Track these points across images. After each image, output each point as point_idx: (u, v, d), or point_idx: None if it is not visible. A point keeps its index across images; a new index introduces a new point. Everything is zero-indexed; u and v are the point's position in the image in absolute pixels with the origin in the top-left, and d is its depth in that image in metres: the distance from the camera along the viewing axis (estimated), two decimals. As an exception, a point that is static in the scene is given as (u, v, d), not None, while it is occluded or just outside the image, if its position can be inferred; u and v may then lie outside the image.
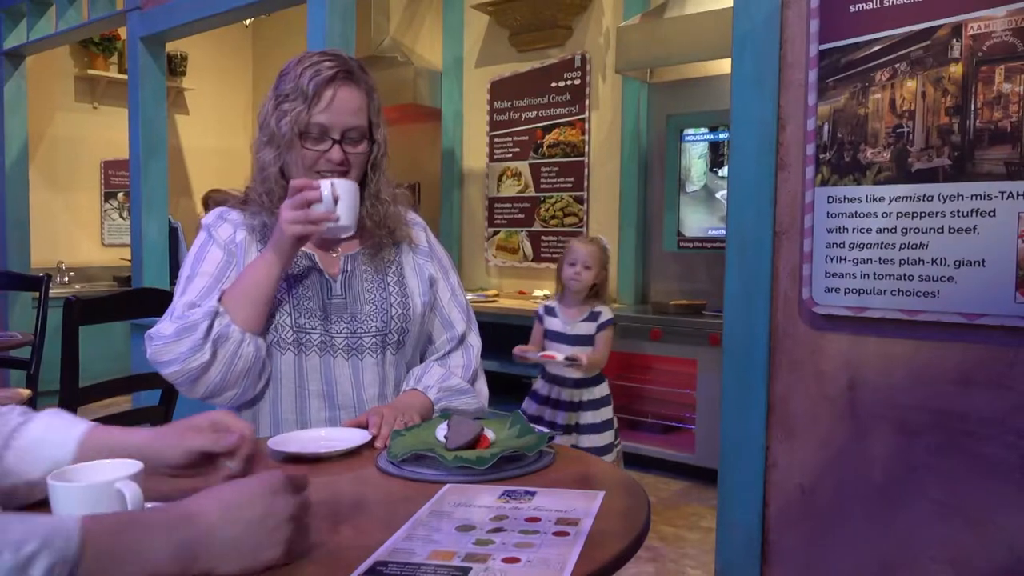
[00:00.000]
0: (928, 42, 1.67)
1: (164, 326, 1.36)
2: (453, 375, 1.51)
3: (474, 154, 5.24)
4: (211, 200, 5.05)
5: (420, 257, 1.55)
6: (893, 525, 1.78)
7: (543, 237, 4.91)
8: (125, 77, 5.78)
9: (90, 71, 5.85)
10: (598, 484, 1.08)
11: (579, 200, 4.74)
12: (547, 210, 4.89)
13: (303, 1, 3.17)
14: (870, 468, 1.81)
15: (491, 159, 5.12)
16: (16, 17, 4.81)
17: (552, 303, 3.12)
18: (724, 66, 4.11)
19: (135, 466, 0.87)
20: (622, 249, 4.53)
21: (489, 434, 1.23)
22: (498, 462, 1.12)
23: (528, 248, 4.97)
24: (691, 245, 4.32)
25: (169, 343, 1.33)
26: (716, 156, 4.24)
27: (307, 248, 1.45)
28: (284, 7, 3.47)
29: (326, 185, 1.34)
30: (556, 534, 0.90)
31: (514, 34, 4.91)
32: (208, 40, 5.93)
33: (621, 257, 4.53)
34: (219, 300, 1.35)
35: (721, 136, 4.20)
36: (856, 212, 1.78)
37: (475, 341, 1.58)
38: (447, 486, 1.07)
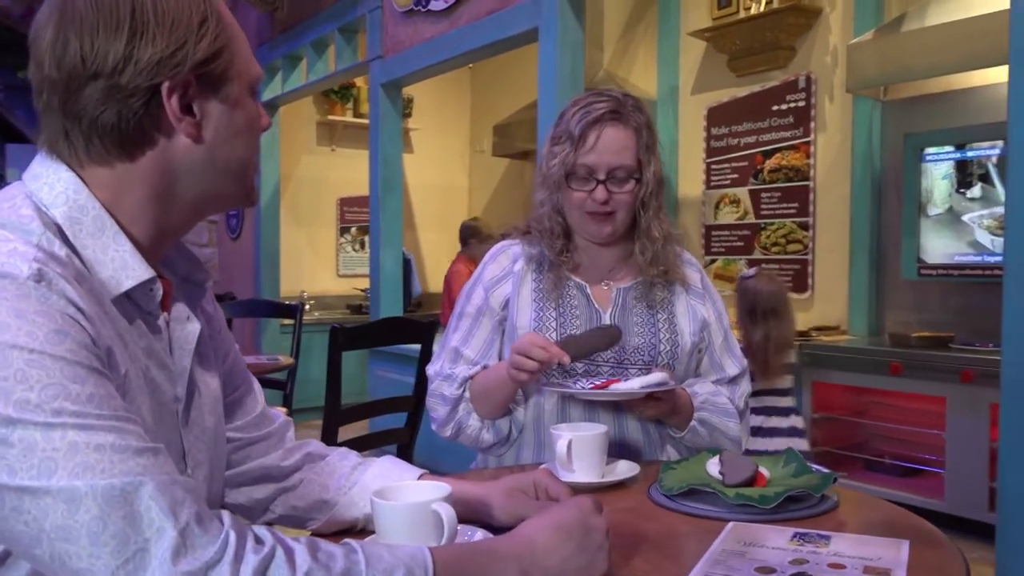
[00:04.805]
0: None
1: (434, 372, 1.52)
2: (722, 395, 1.49)
3: (690, 182, 5.16)
4: (467, 228, 5.45)
5: (693, 298, 1.52)
6: None
7: (764, 265, 4.73)
8: (360, 121, 6.28)
9: (330, 117, 6.40)
10: (895, 531, 1.01)
11: (804, 226, 4.53)
12: (768, 237, 4.72)
13: (532, 42, 3.28)
14: None
15: (708, 186, 5.02)
16: (272, 72, 5.38)
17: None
18: (971, 79, 3.79)
19: (444, 489, 0.92)
20: (853, 277, 4.30)
21: (764, 472, 1.19)
22: (782, 502, 1.08)
23: (748, 277, 4.82)
24: (934, 273, 3.99)
25: (430, 400, 1.52)
26: (964, 176, 3.90)
27: (579, 279, 1.49)
28: (513, 48, 3.61)
29: (562, 445, 1.21)
30: (868, 583, 0.85)
31: (733, 59, 4.80)
32: (432, 82, 6.30)
33: (852, 285, 4.30)
34: (469, 383, 1.47)
35: (970, 154, 3.86)
36: None
37: (745, 386, 1.55)
38: (731, 524, 1.04)
